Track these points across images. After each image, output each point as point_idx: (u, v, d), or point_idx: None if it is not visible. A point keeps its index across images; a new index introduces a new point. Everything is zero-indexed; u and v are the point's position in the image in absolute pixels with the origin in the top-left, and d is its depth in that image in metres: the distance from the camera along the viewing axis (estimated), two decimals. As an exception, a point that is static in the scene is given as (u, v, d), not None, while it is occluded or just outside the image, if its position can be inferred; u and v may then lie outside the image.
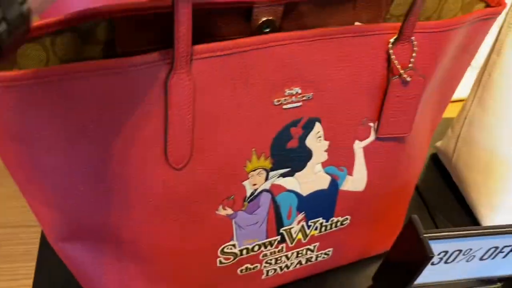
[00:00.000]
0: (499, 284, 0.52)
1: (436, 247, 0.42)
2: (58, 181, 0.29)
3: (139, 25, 0.29)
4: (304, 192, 0.40)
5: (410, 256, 0.42)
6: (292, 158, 0.37)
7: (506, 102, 0.50)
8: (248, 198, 0.37)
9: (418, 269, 0.41)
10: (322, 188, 0.40)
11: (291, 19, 0.33)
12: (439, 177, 0.66)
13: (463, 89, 0.60)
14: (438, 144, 0.64)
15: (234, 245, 0.39)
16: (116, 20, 0.29)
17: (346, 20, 0.35)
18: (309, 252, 0.45)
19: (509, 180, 0.54)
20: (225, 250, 0.39)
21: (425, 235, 0.40)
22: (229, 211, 0.37)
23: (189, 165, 0.32)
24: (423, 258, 0.40)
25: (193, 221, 0.36)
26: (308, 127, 0.36)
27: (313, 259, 0.47)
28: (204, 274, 0.40)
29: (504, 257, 0.49)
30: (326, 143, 0.37)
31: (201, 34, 0.30)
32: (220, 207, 0.36)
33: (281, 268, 0.45)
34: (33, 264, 0.49)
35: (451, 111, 0.65)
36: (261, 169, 0.36)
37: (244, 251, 0.40)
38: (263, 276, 0.45)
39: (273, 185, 0.38)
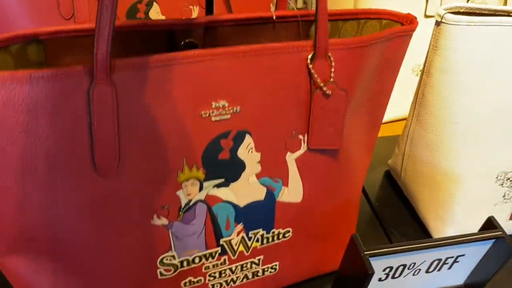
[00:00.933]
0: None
1: (379, 264, 0.43)
2: None
3: (67, 46, 0.32)
4: (241, 203, 0.41)
5: (355, 274, 0.43)
6: (225, 169, 0.38)
7: (441, 119, 0.52)
8: (183, 208, 0.38)
9: (362, 286, 0.42)
10: (258, 199, 0.41)
11: (213, 41, 0.35)
12: (392, 194, 0.67)
13: (406, 108, 0.63)
14: (389, 161, 0.66)
15: (173, 256, 0.40)
16: (45, 42, 0.31)
17: (268, 40, 0.37)
18: (254, 265, 0.46)
19: (454, 193, 0.56)
20: (164, 261, 0.40)
21: (365, 252, 0.41)
22: (164, 221, 0.38)
23: (118, 173, 0.33)
24: (366, 275, 0.41)
25: (129, 230, 0.36)
26: (238, 139, 0.37)
27: (259, 274, 0.47)
28: (147, 285, 0.41)
29: (449, 268, 0.50)
30: (258, 154, 0.39)
31: (130, 54, 0.32)
32: (155, 216, 0.37)
33: (227, 282, 0.46)
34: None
35: (398, 130, 0.68)
36: (194, 179, 0.37)
37: (185, 263, 0.41)
38: (209, 291, 0.45)
39: (208, 196, 0.39)
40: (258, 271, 0.47)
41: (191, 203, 0.38)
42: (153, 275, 0.40)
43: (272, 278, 0.48)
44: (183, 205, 0.38)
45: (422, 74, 0.53)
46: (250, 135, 0.38)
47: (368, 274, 0.40)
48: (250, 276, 0.47)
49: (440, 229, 0.59)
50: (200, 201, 0.39)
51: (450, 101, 0.50)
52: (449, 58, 0.48)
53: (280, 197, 0.42)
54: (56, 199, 0.32)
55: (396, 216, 0.65)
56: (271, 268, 0.47)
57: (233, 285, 0.46)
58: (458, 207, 0.57)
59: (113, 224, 0.35)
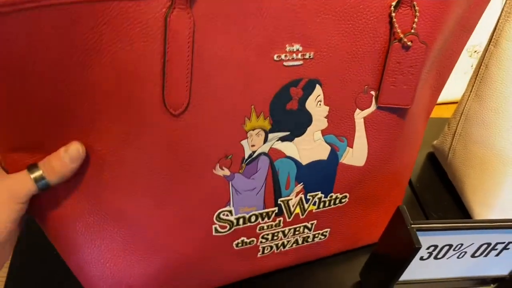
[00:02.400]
0: (492, 286, 0.49)
1: (425, 240, 0.39)
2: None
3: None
4: (304, 160, 0.38)
5: (397, 248, 0.39)
6: (291, 121, 0.35)
7: (504, 95, 0.49)
8: (246, 159, 0.35)
9: (405, 261, 0.38)
10: (321, 158, 0.38)
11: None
12: (435, 177, 0.64)
13: (458, 91, 0.60)
14: (435, 142, 0.62)
15: (230, 212, 0.37)
16: None
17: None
18: (306, 230, 0.43)
19: (505, 176, 0.52)
20: (221, 216, 0.37)
21: (412, 225, 0.37)
22: (227, 171, 0.35)
23: (187, 112, 0.30)
24: (411, 249, 0.37)
25: (190, 177, 0.33)
26: (308, 89, 0.34)
27: (309, 239, 0.44)
28: (201, 243, 0.38)
29: (497, 255, 0.45)
30: (326, 108, 0.36)
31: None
32: (217, 166, 0.34)
33: (277, 246, 0.43)
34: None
35: (444, 112, 0.64)
36: (260, 129, 0.34)
37: (241, 221, 0.38)
38: (259, 254, 0.42)
39: (272, 149, 0.36)
40: (308, 237, 0.44)
41: (254, 155, 0.35)
42: (208, 231, 0.37)
43: (319, 246, 0.45)
44: (246, 156, 0.35)
45: (488, 44, 0.49)
46: (321, 85, 0.35)
47: (414, 248, 0.36)
48: (300, 241, 0.44)
49: (484, 216, 0.55)
50: (264, 154, 0.36)
51: (517, 74, 0.47)
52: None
53: (343, 159, 0.39)
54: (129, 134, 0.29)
55: (437, 199, 0.61)
56: (322, 234, 0.44)
57: (282, 249, 0.43)
58: (509, 193, 0.53)
59: (177, 169, 0.32)
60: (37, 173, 0.29)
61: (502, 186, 0.53)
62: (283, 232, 0.42)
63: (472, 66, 0.70)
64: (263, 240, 0.41)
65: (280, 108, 0.34)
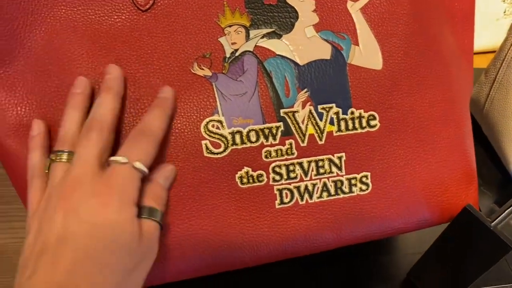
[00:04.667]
0: None
1: None
2: None
3: None
4: (301, 60, 0.33)
5: (472, 249, 0.32)
6: (273, 17, 0.33)
7: None
8: (228, 58, 0.32)
9: (491, 263, 0.31)
10: (323, 57, 0.33)
11: None
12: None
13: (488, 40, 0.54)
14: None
15: (220, 123, 0.32)
16: None
17: None
18: (334, 168, 0.33)
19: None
20: (210, 127, 0.32)
21: (493, 223, 0.31)
22: (207, 71, 0.32)
23: (155, 7, 0.31)
24: (501, 250, 0.30)
25: (168, 81, 0.31)
26: (286, -20, 0.33)
27: (345, 189, 0.33)
28: (193, 168, 0.32)
29: None
30: (312, 2, 0.33)
31: None
32: (195, 64, 0.32)
33: (300, 192, 0.33)
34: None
35: (476, 62, 0.53)
36: (238, 26, 0.33)
37: (237, 137, 0.32)
38: (277, 203, 0.33)
39: (257, 47, 0.33)
40: (342, 183, 0.32)
41: (237, 53, 0.32)
42: (198, 150, 0.32)
43: (363, 212, 0.32)
44: (227, 54, 0.32)
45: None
46: (301, -22, 0.33)
47: (508, 248, 0.29)
48: (332, 190, 0.33)
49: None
50: (249, 52, 0.32)
51: None
52: None
53: (352, 59, 0.33)
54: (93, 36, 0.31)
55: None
56: (361, 182, 0.33)
57: (308, 200, 0.32)
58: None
59: (152, 68, 0.31)
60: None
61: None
62: (300, 165, 0.32)
63: (505, 12, 0.62)
64: (276, 177, 0.32)
65: (257, 3, 0.33)
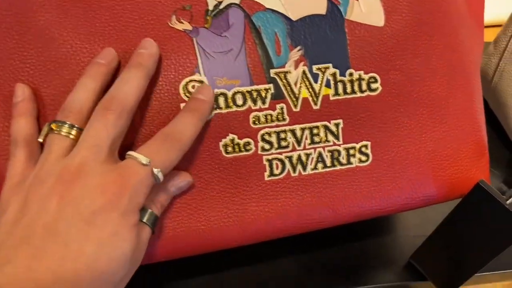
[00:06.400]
0: None
1: None
2: None
3: None
4: (293, 15, 0.29)
5: (483, 229, 0.29)
6: (260, -34, 0.29)
7: None
8: (211, 11, 0.28)
9: (504, 245, 0.28)
10: (318, 12, 0.29)
11: None
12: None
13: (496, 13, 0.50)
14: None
15: (202, 83, 0.28)
16: None
17: None
18: (330, 136, 0.29)
19: None
20: (190, 88, 0.28)
21: (508, 201, 0.27)
22: (187, 25, 0.28)
23: None
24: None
25: (141, 32, 0.27)
26: None
27: (342, 160, 0.29)
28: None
29: None
30: (304, -50, 0.29)
31: None
32: (174, 17, 0.28)
33: (293, 165, 0.29)
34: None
35: (487, 37, 0.49)
36: (224, -26, 0.28)
37: (221, 100, 0.28)
38: (267, 175, 0.28)
39: (245, 0, 0.28)
40: (339, 153, 0.28)
41: (221, 6, 0.28)
42: (176, 113, 0.27)
43: (361, 188, 0.29)
44: (210, 7, 0.28)
45: None
46: None
47: None
48: (328, 161, 0.29)
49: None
50: (234, 4, 0.28)
51: None
52: None
53: (350, 15, 0.29)
54: None
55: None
56: (360, 152, 0.29)
57: (302, 171, 0.28)
58: None
59: (123, 21, 0.27)
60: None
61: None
62: (293, 133, 0.28)
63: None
64: (266, 146, 0.28)
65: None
